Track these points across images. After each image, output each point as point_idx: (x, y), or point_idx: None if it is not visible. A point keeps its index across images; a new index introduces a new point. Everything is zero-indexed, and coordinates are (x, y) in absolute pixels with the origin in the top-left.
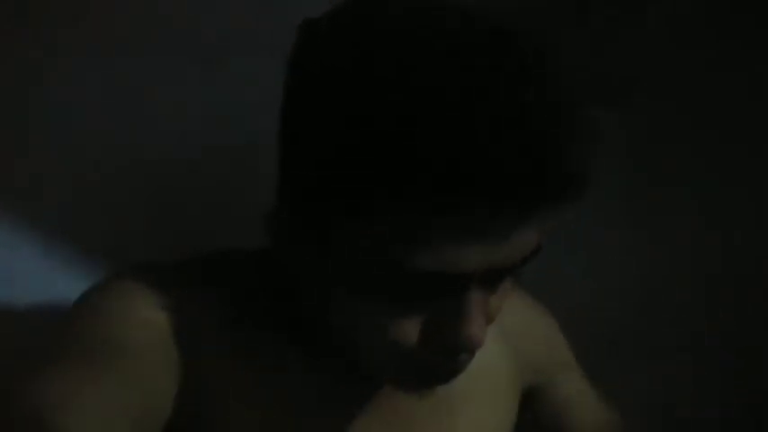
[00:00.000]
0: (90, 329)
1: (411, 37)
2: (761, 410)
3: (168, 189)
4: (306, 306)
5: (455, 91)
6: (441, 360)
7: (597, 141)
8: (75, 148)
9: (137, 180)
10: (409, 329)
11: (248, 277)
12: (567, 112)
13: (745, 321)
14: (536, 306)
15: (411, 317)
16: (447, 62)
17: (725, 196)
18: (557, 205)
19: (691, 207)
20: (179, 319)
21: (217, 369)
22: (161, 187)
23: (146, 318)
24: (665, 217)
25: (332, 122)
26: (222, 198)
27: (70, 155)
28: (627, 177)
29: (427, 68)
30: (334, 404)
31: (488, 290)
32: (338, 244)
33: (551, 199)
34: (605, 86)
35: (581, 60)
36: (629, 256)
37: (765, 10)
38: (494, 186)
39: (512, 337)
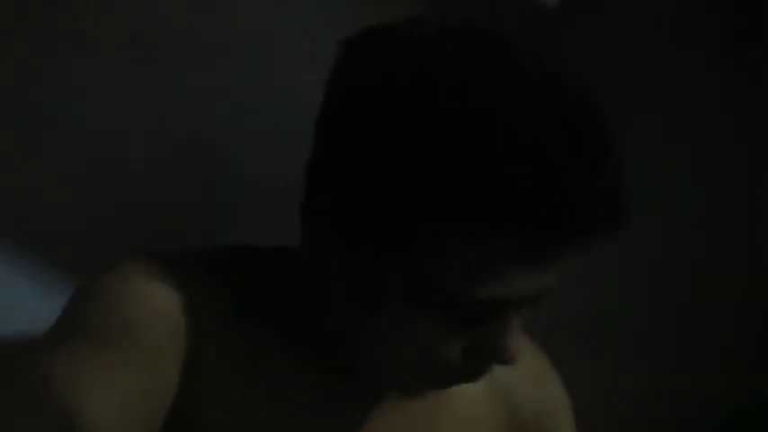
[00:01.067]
0: (101, 311)
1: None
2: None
3: (168, 189)
4: (325, 317)
5: (544, 141)
6: (466, 372)
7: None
8: (74, 148)
9: (136, 181)
10: (454, 349)
11: (259, 275)
12: (619, 151)
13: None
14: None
15: (457, 337)
16: (533, 105)
17: (722, 195)
18: (609, 239)
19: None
20: (187, 307)
21: (219, 361)
22: (160, 188)
23: (155, 302)
24: (662, 216)
25: (415, 159)
26: (222, 199)
27: (68, 155)
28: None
29: (510, 108)
30: (328, 409)
31: (526, 309)
32: (400, 273)
33: (612, 230)
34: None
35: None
36: (624, 257)
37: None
38: (572, 223)
39: (511, 379)
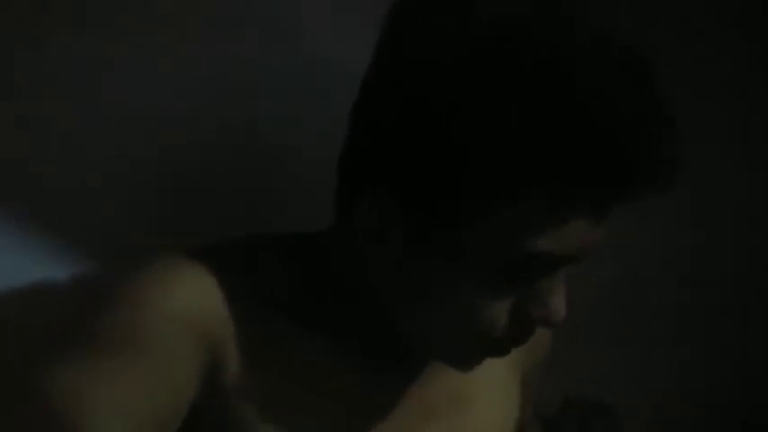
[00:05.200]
0: (111, 320)
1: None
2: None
3: (170, 187)
4: (365, 299)
5: (591, 92)
6: (515, 335)
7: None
8: (76, 146)
9: (138, 178)
10: (500, 310)
11: (284, 265)
12: (668, 108)
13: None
14: None
15: (505, 298)
16: (582, 64)
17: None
18: (662, 190)
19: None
20: (206, 306)
21: (246, 362)
22: (163, 185)
23: (172, 309)
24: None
25: (473, 121)
26: (227, 195)
27: (71, 153)
28: None
29: (562, 73)
30: (365, 396)
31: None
32: (464, 239)
33: (659, 186)
34: None
35: None
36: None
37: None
38: (621, 176)
39: None
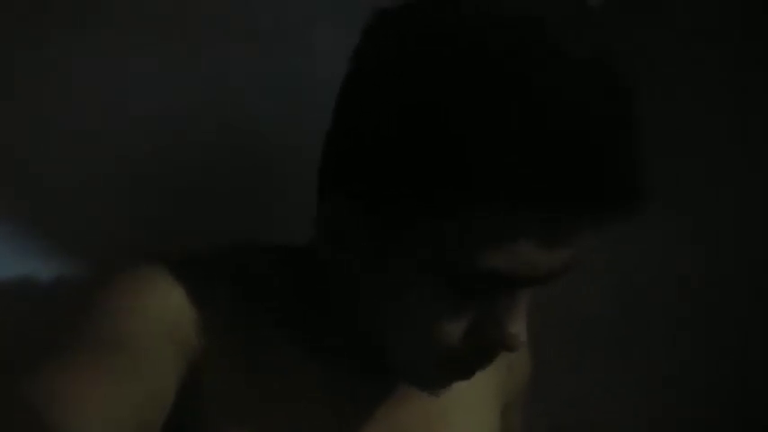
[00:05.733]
0: (95, 326)
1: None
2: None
3: (170, 187)
4: (339, 305)
5: (543, 105)
6: (474, 358)
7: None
8: (75, 145)
9: (137, 178)
10: (456, 327)
11: (266, 273)
12: (636, 130)
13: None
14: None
15: (461, 315)
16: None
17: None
18: (624, 216)
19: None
20: (187, 316)
21: (223, 367)
22: (162, 186)
23: (152, 315)
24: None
25: (424, 127)
26: (227, 194)
27: (71, 153)
28: None
29: (518, 81)
30: (341, 403)
31: (529, 294)
32: (412, 244)
33: (622, 210)
34: None
35: None
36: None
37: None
38: (577, 195)
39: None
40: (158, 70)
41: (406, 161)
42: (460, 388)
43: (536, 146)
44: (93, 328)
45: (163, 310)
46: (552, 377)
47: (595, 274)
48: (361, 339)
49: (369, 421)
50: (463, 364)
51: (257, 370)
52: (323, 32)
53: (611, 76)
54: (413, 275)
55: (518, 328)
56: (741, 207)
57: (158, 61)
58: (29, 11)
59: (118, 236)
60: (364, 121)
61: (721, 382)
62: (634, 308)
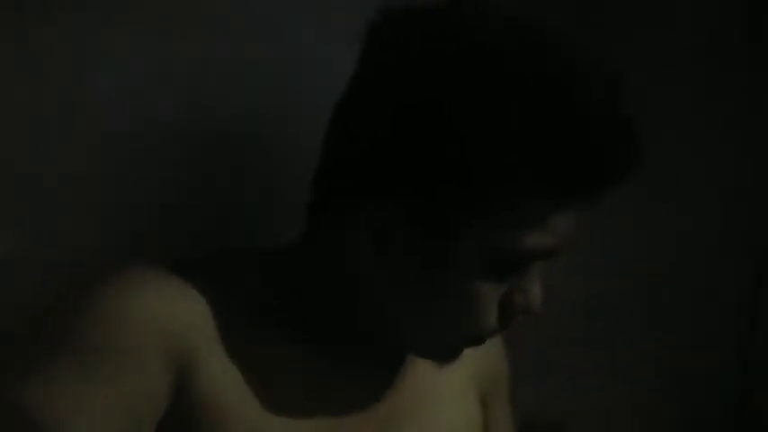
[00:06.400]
0: (84, 331)
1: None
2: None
3: (169, 187)
4: (343, 299)
5: (565, 101)
6: (505, 322)
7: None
8: (74, 145)
9: (136, 178)
10: (493, 304)
11: (254, 276)
12: (627, 117)
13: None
14: None
15: (496, 292)
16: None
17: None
18: (614, 190)
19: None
20: (177, 319)
21: (214, 369)
22: (161, 185)
23: (142, 317)
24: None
25: (468, 131)
26: (226, 195)
27: (69, 152)
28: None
29: (532, 84)
30: (330, 400)
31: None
32: (458, 242)
33: (617, 183)
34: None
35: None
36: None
37: None
38: (592, 177)
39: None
40: (158, 70)
41: (446, 162)
42: (444, 381)
43: (566, 137)
44: (83, 333)
45: (154, 314)
46: (528, 373)
47: (572, 270)
48: (363, 330)
49: (360, 414)
50: (490, 329)
51: (248, 370)
52: (323, 32)
53: (605, 73)
54: (462, 274)
55: (539, 290)
56: (723, 202)
57: (158, 61)
58: (28, 11)
59: (118, 236)
60: (395, 126)
61: (694, 375)
62: (608, 304)
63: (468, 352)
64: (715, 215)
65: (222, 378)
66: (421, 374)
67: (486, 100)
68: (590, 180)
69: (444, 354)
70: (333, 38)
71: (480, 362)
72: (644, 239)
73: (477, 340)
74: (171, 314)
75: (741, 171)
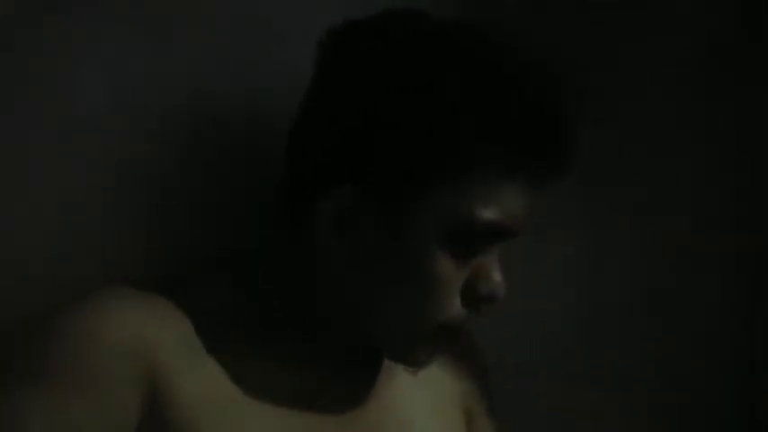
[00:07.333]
0: (57, 353)
1: (463, 55)
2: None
3: (168, 188)
4: (322, 294)
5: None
6: (462, 314)
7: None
8: (73, 146)
9: (134, 178)
10: (455, 288)
11: (227, 279)
12: (561, 76)
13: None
14: (477, 344)
15: (460, 275)
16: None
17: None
18: (561, 176)
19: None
20: (148, 341)
21: (188, 386)
22: (161, 185)
23: (112, 340)
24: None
25: (428, 112)
26: (223, 196)
27: (69, 152)
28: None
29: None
30: (310, 412)
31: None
32: (417, 218)
33: (564, 169)
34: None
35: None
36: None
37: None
38: (549, 147)
39: (457, 361)
40: (158, 70)
41: (404, 140)
42: (423, 396)
43: (507, 119)
44: (55, 353)
45: (124, 336)
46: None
47: (555, 279)
48: (339, 335)
49: (340, 426)
50: (449, 330)
51: (221, 382)
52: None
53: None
54: (419, 249)
55: (500, 277)
56: (723, 202)
57: (157, 61)
58: (28, 9)
59: (115, 236)
60: (346, 110)
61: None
62: (607, 305)
63: (448, 365)
64: (715, 216)
65: (194, 392)
66: (400, 389)
67: (426, 73)
68: (529, 137)
69: (407, 348)
70: None
71: (461, 376)
72: (643, 239)
73: (444, 332)
74: (137, 335)
75: (741, 171)
